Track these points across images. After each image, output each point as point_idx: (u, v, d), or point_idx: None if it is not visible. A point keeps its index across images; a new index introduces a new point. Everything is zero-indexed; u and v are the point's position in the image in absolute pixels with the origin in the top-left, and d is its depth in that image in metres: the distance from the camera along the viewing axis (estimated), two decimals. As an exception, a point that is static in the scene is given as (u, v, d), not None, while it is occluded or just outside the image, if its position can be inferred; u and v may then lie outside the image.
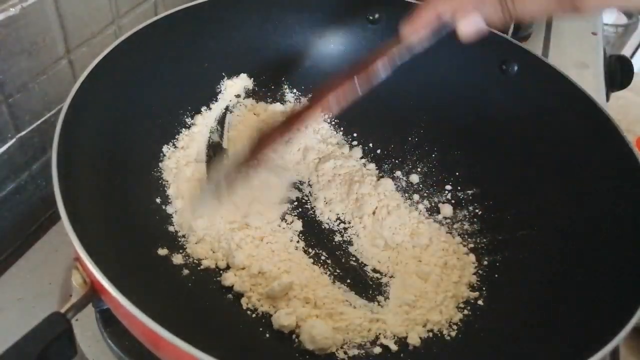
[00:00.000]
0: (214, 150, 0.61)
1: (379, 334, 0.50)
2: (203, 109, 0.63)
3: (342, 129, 0.69)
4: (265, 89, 0.68)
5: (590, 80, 0.87)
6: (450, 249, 0.58)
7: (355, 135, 0.68)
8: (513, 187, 0.61)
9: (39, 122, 0.55)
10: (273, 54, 0.67)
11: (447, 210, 0.62)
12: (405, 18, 0.47)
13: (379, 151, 0.67)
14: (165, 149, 0.58)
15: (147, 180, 0.55)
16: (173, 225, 0.54)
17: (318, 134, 0.67)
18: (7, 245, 0.56)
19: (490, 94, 0.64)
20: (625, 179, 0.51)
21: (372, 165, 0.66)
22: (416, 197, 0.63)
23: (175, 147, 0.59)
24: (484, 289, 0.54)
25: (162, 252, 0.51)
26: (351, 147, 0.67)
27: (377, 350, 0.48)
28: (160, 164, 0.57)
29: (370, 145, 0.68)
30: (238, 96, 0.66)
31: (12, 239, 0.57)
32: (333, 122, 0.69)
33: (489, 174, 0.63)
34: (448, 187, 0.64)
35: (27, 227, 0.58)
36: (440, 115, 0.68)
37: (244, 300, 0.51)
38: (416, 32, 0.48)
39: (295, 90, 0.69)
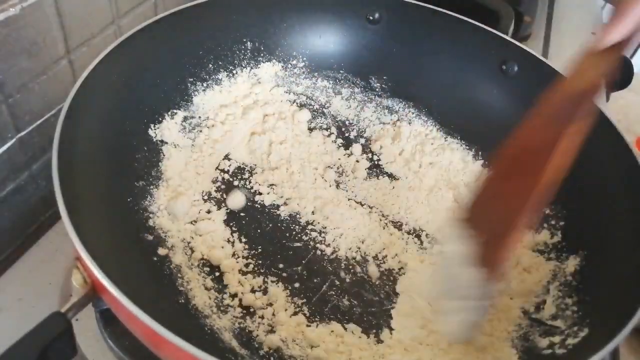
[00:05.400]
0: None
1: None
2: (203, 109, 0.63)
3: (340, 129, 0.69)
4: (263, 89, 0.68)
5: (590, 80, 0.87)
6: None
7: (354, 136, 0.69)
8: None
9: (39, 122, 0.55)
10: (273, 54, 0.67)
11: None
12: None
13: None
14: (165, 148, 0.58)
15: (148, 180, 0.55)
16: (173, 225, 0.55)
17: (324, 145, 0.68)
18: (7, 245, 0.56)
19: (490, 94, 0.64)
20: (625, 179, 0.51)
21: (370, 164, 0.66)
22: (416, 197, 0.63)
23: (176, 146, 0.59)
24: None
25: (163, 251, 0.51)
26: (349, 145, 0.67)
27: None
28: (160, 164, 0.57)
29: (371, 147, 0.68)
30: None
31: (12, 239, 0.57)
32: (334, 125, 0.69)
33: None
34: (448, 187, 0.64)
35: (27, 227, 0.58)
36: (440, 115, 0.68)
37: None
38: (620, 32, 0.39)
39: (293, 91, 0.69)
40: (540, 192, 0.40)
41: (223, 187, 0.61)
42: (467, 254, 0.42)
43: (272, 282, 0.53)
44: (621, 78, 0.92)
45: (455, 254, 0.42)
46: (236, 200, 0.59)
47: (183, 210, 0.56)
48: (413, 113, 0.69)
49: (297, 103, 0.69)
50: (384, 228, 0.60)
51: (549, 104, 0.41)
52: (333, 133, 0.68)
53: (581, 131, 0.40)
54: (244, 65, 0.66)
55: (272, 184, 0.62)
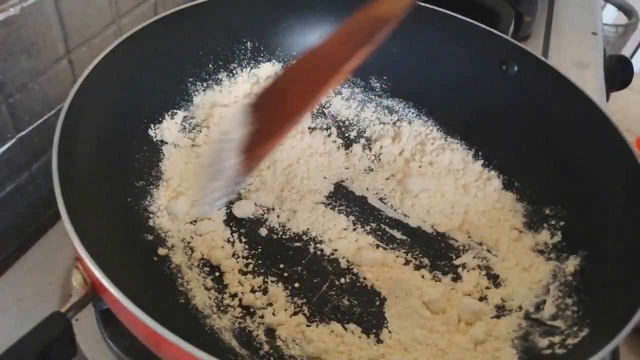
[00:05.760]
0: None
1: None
2: (203, 109, 0.63)
3: (340, 129, 0.69)
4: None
5: (590, 80, 0.87)
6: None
7: (354, 136, 0.69)
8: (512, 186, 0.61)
9: (39, 122, 0.55)
10: (273, 54, 0.67)
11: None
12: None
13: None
14: (165, 148, 0.58)
15: (148, 180, 0.55)
16: (173, 225, 0.54)
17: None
18: (7, 245, 0.56)
19: (490, 94, 0.64)
20: (625, 179, 0.51)
21: (370, 165, 0.66)
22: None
23: (176, 146, 0.59)
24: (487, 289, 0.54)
25: (163, 251, 0.51)
26: (349, 145, 0.67)
27: None
28: (160, 164, 0.57)
29: (371, 147, 0.68)
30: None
31: (12, 239, 0.57)
32: (334, 125, 0.69)
33: (489, 174, 0.63)
34: (448, 187, 0.64)
35: (27, 227, 0.58)
36: (440, 115, 0.68)
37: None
38: None
39: (295, 90, 0.69)
40: (311, 102, 0.42)
41: (223, 187, 0.61)
42: (239, 141, 0.42)
43: (272, 282, 0.53)
44: (621, 78, 0.92)
45: (232, 139, 0.42)
46: (244, 209, 0.59)
47: (183, 210, 0.56)
48: (413, 113, 0.69)
49: (297, 103, 0.69)
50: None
51: (353, 22, 0.44)
52: (333, 133, 0.68)
53: (367, 53, 0.42)
54: (244, 65, 0.66)
55: (272, 184, 0.62)
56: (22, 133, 0.53)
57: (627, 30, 1.16)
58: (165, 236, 0.53)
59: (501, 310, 0.52)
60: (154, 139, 0.58)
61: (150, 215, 0.54)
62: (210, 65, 0.63)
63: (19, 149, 0.54)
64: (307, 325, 0.50)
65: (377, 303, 0.53)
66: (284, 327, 0.49)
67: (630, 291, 0.43)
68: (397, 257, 0.57)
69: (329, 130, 0.68)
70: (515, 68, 0.62)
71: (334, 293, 0.53)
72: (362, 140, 0.68)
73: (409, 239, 0.59)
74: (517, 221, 0.59)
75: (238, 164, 0.41)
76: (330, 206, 0.61)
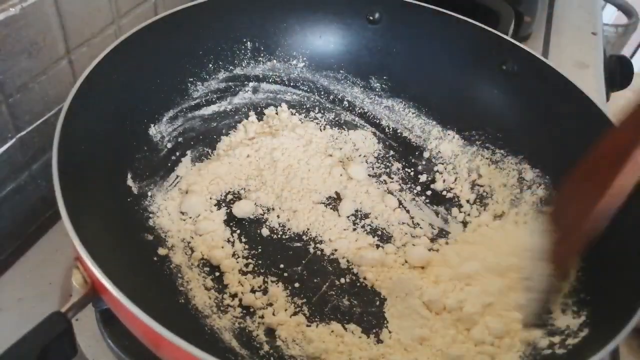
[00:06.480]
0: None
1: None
2: (203, 109, 0.63)
3: (338, 129, 0.69)
4: (263, 90, 0.68)
5: (590, 80, 0.87)
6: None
7: (354, 145, 0.69)
8: (512, 187, 0.61)
9: (39, 122, 0.55)
10: (273, 54, 0.67)
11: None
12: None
13: (379, 151, 0.67)
14: (165, 148, 0.58)
15: (148, 180, 0.55)
16: (173, 225, 0.55)
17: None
18: (7, 245, 0.56)
19: (491, 93, 0.64)
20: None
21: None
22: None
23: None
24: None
25: (163, 251, 0.51)
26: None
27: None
28: (161, 164, 0.57)
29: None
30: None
31: (12, 239, 0.57)
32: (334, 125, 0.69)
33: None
34: (448, 187, 0.64)
35: (27, 227, 0.58)
36: (440, 115, 0.68)
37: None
38: None
39: (293, 90, 0.69)
40: (605, 201, 0.42)
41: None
42: (543, 247, 0.44)
43: (272, 282, 0.53)
44: (621, 78, 0.92)
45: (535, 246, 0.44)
46: (244, 209, 0.59)
47: (193, 209, 0.56)
48: (413, 113, 0.69)
49: (297, 103, 0.69)
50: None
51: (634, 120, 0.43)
52: (333, 133, 0.68)
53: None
54: (244, 65, 0.66)
55: (272, 184, 0.62)
56: (22, 133, 0.53)
57: (627, 30, 1.16)
58: (165, 236, 0.53)
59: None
60: (154, 139, 0.58)
61: (150, 215, 0.54)
62: (210, 65, 0.63)
63: (19, 149, 0.54)
64: (307, 325, 0.50)
65: (377, 303, 0.53)
66: (284, 327, 0.49)
67: (630, 291, 0.43)
68: (397, 257, 0.57)
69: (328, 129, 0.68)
70: (515, 68, 0.62)
71: (334, 293, 0.53)
72: (362, 140, 0.68)
73: (407, 237, 0.59)
74: (517, 221, 0.59)
75: (546, 271, 0.43)
76: (330, 206, 0.61)
